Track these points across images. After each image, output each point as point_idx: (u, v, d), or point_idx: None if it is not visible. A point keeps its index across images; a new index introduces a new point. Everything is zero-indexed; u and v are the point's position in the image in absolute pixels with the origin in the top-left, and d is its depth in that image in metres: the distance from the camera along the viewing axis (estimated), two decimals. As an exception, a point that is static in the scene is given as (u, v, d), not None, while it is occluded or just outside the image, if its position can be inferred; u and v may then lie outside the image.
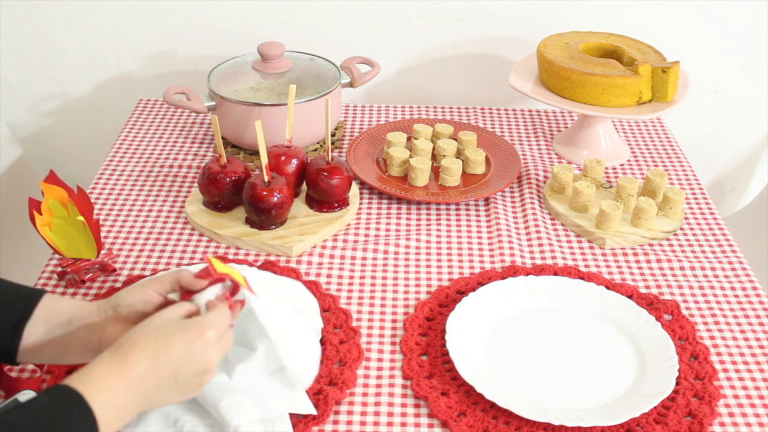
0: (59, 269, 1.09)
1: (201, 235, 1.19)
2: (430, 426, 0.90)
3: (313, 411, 0.88)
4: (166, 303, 0.81)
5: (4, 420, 0.67)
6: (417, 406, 0.92)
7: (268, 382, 0.87)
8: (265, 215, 1.14)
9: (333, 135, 1.45)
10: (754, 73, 1.68)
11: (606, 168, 1.39)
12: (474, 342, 0.99)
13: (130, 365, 0.72)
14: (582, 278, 1.11)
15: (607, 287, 1.09)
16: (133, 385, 0.73)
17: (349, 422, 0.89)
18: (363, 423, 0.89)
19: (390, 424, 0.90)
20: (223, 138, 1.36)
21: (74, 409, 0.69)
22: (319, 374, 0.93)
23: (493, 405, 0.91)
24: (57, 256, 1.12)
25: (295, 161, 1.21)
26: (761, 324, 1.06)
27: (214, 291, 0.80)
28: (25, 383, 0.90)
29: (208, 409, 0.84)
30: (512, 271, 1.12)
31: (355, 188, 1.27)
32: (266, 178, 1.14)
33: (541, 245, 1.19)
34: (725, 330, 1.05)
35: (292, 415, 0.88)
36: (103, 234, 1.18)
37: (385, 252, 1.17)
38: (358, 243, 1.19)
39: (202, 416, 0.85)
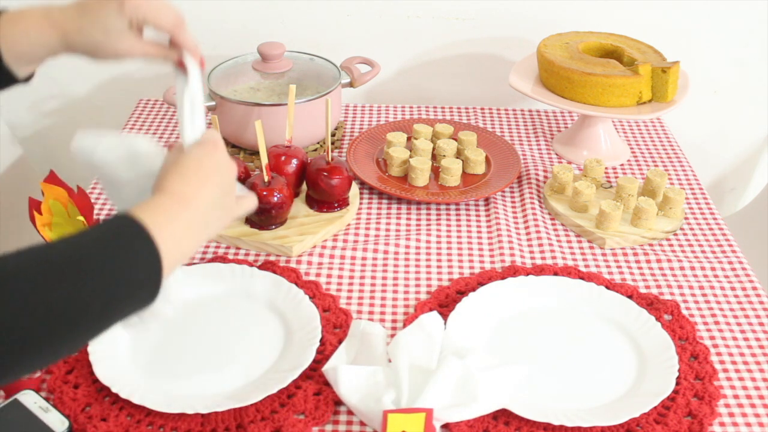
0: (59, 269, 1.08)
1: (201, 235, 1.19)
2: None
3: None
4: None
5: (58, 249, 0.61)
6: (417, 406, 0.92)
7: None
8: (265, 215, 1.14)
9: (333, 135, 1.45)
10: (754, 73, 1.68)
11: (606, 168, 1.39)
12: (474, 342, 0.99)
13: (186, 194, 0.71)
14: (582, 278, 1.11)
15: (607, 287, 1.09)
16: (195, 215, 0.71)
17: (349, 422, 0.89)
18: (363, 423, 0.89)
19: (390, 424, 0.89)
20: (223, 138, 1.36)
21: (137, 242, 0.64)
22: (318, 374, 0.93)
23: (493, 405, 0.91)
24: (57, 256, 1.12)
25: (295, 161, 1.21)
26: (761, 324, 1.06)
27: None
28: (25, 383, 0.90)
29: None
30: (512, 271, 1.12)
31: (355, 188, 1.27)
32: (266, 178, 1.14)
33: (541, 245, 1.19)
34: (725, 330, 1.05)
35: (291, 416, 0.88)
36: (103, 234, 1.18)
37: (385, 252, 1.17)
38: (358, 243, 1.19)
39: None
